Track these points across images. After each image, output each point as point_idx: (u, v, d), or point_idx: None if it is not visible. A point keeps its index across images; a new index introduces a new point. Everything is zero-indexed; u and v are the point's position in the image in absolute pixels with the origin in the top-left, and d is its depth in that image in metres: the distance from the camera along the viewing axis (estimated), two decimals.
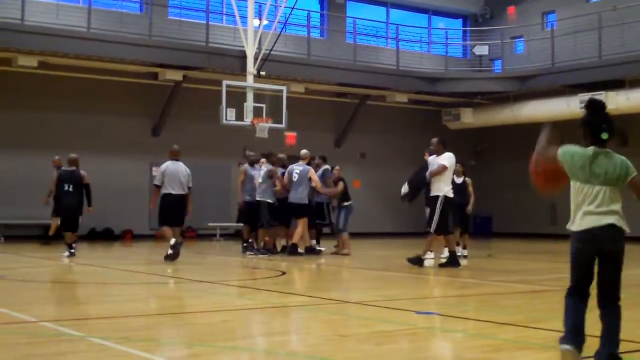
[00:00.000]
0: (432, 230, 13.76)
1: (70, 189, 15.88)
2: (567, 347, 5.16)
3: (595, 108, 5.28)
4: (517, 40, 28.95)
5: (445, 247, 14.78)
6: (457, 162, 15.21)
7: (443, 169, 13.72)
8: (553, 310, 8.18)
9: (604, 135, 5.17)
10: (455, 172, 15.40)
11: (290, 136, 23.10)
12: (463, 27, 30.72)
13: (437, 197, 13.73)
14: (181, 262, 15.44)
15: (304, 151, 17.07)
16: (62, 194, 16.03)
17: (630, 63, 23.24)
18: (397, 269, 14.33)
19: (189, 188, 15.24)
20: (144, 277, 13.10)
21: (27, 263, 15.49)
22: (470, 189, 16.46)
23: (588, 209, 5.16)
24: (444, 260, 14.48)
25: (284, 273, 12.85)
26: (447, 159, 13.83)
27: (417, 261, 13.91)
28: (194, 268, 14.72)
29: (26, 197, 21.27)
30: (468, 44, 29.73)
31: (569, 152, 5.23)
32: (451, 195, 13.89)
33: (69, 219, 16.04)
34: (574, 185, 5.23)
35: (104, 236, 22.61)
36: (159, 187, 15.12)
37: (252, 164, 17.09)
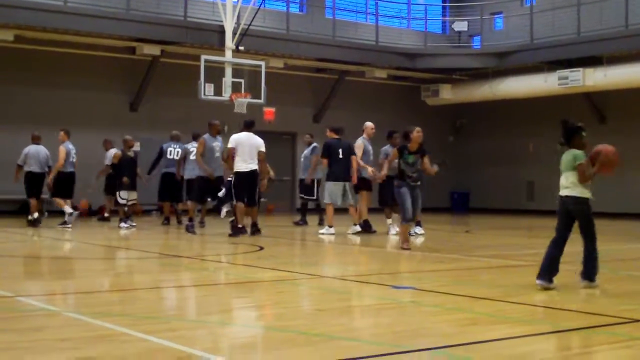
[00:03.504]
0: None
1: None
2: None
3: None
4: (496, 16, 28.92)
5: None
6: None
7: (229, 152, 15.24)
8: (529, 285, 8.24)
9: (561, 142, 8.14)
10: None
11: (269, 111, 22.99)
12: (442, 2, 30.64)
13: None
14: (159, 237, 15.43)
15: (368, 123, 16.98)
16: None
17: (608, 40, 23.32)
18: (375, 244, 14.38)
19: (48, 167, 18.04)
20: (120, 252, 13.07)
21: (2, 238, 15.41)
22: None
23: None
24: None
25: (262, 248, 12.86)
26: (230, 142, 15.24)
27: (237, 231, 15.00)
28: (172, 243, 14.72)
29: (0, 172, 21.06)
30: (447, 20, 29.69)
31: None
32: (242, 169, 14.99)
33: None
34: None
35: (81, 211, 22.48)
36: (21, 166, 17.91)
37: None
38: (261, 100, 21.76)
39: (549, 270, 7.97)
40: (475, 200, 29.67)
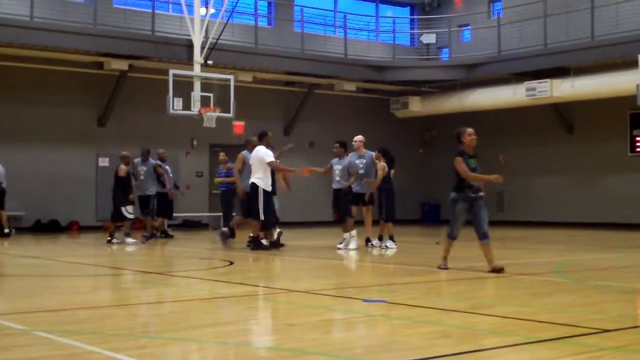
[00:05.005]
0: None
1: (113, 183, 17.95)
2: None
3: None
4: (464, 28, 29.12)
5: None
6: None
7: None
8: (499, 296, 8.26)
9: None
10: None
11: (238, 125, 22.97)
12: (410, 15, 30.82)
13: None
14: (128, 252, 15.33)
15: (359, 137, 16.55)
16: None
17: (575, 51, 23.54)
18: (346, 257, 14.37)
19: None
20: (90, 269, 12.95)
21: None
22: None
23: None
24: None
25: (232, 263, 12.80)
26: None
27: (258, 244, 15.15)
28: (142, 259, 14.61)
29: None
30: (416, 33, 29.83)
31: None
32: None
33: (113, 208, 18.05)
34: None
35: (50, 228, 22.30)
36: None
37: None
38: (230, 114, 21.71)
39: None
40: (446, 211, 29.66)
